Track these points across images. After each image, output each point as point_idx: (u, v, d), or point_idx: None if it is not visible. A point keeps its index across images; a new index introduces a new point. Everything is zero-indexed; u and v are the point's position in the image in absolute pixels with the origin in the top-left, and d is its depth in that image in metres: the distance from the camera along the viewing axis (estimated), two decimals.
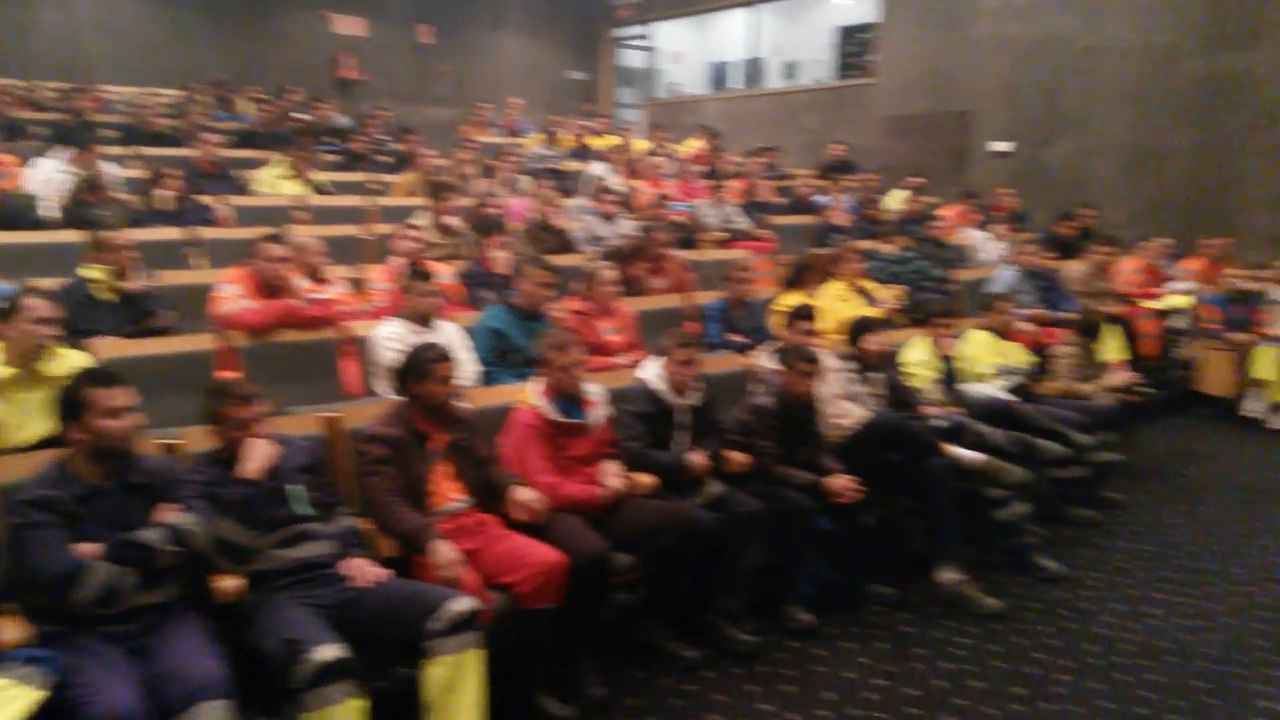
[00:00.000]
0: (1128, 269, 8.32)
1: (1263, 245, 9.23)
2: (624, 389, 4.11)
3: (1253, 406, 7.37)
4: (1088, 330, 6.19)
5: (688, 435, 4.07)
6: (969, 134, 11.96)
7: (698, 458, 3.93)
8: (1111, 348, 6.86)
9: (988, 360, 5.57)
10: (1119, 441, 6.46)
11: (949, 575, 4.19)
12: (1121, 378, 6.61)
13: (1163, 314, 7.90)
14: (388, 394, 3.96)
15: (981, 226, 9.42)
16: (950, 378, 5.31)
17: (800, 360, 4.25)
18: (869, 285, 6.95)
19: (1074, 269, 7.65)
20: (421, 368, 3.42)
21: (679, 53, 17.86)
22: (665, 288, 6.32)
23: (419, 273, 4.72)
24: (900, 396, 4.89)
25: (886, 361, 5.01)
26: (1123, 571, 4.57)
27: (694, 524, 3.63)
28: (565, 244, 7.00)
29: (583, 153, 11.08)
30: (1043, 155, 11.22)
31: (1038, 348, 6.10)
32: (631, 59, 18.30)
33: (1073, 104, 10.91)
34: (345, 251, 6.10)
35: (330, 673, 2.60)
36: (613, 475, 3.70)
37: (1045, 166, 11.20)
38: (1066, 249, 8.33)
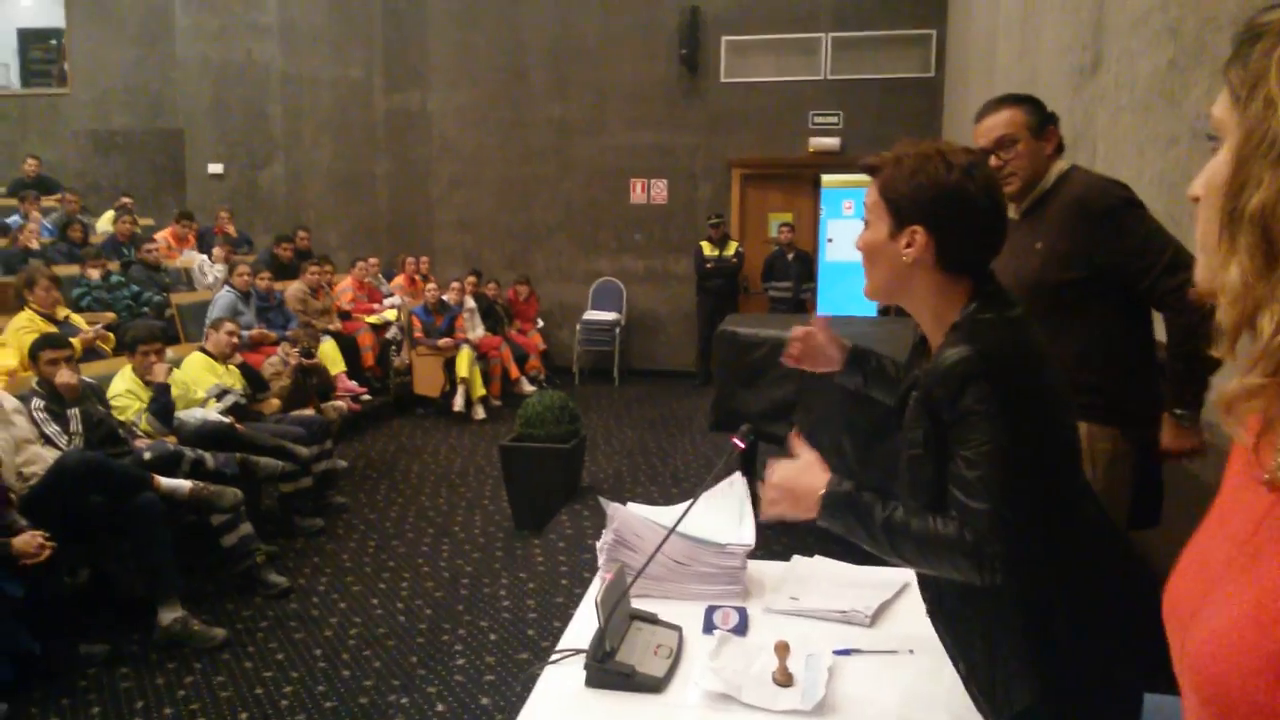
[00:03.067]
0: (344, 287, 8.85)
1: (455, 261, 10.61)
2: None
3: (459, 403, 8.39)
4: (307, 350, 6.40)
5: None
6: (183, 154, 11.54)
7: None
8: (333, 362, 7.23)
9: (205, 383, 5.41)
10: (345, 449, 6.85)
11: (171, 615, 3.95)
12: (344, 389, 6.99)
13: (378, 327, 8.58)
14: None
15: (201, 248, 9.18)
16: (165, 405, 5.02)
17: None
18: (69, 314, 6.27)
19: (293, 289, 7.87)
20: None
21: None
22: None
23: None
24: (105, 432, 4.48)
25: (88, 395, 4.55)
26: (348, 571, 4.81)
27: None
28: None
29: None
30: (258, 178, 11.34)
31: (258, 367, 6.11)
32: None
33: (280, 129, 11.23)
34: None
35: None
36: None
37: (261, 189, 11.34)
38: (285, 270, 8.53)
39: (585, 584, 2.25)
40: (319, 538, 5.26)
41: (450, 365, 8.41)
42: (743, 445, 1.67)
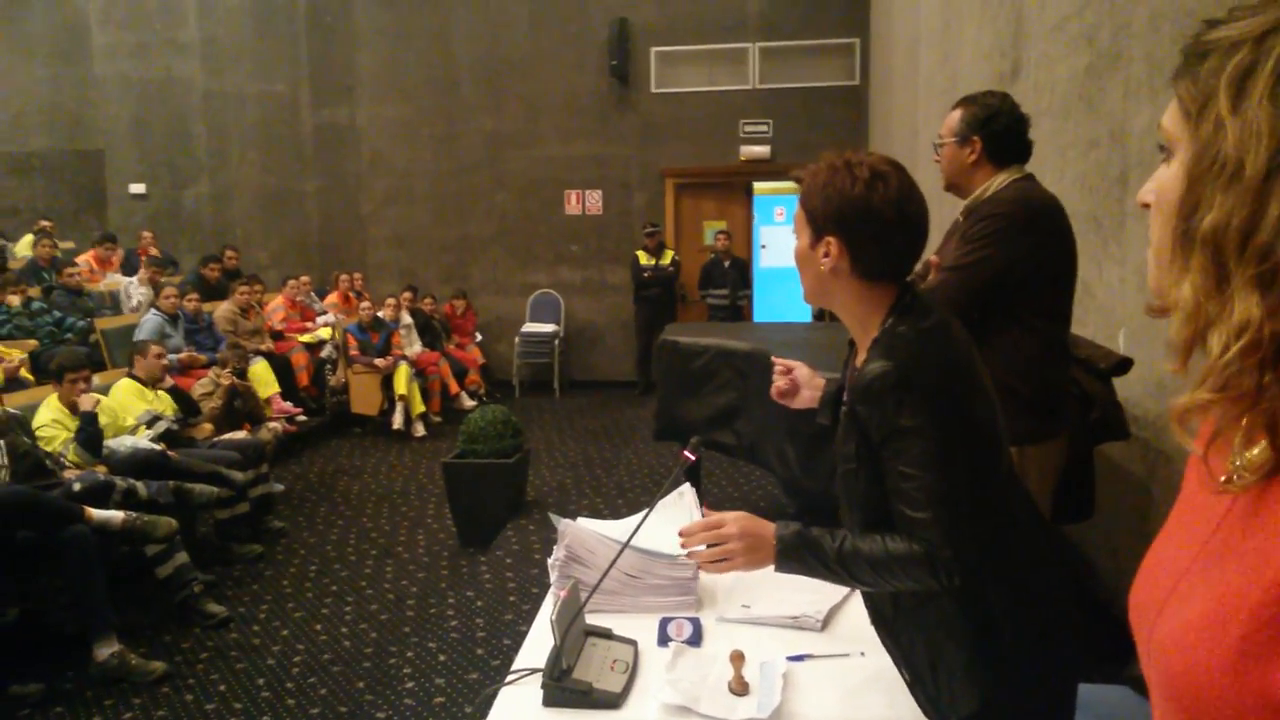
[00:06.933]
0: (275, 306, 8.69)
1: (390, 277, 10.49)
2: None
3: (398, 420, 8.27)
4: (239, 370, 6.27)
5: None
6: (103, 174, 11.22)
7: None
8: (266, 383, 7.09)
9: (135, 410, 5.27)
10: (282, 471, 6.71)
11: (106, 650, 3.83)
12: (278, 410, 6.86)
13: (312, 346, 8.43)
14: None
15: (125, 271, 8.95)
16: (93, 435, 4.87)
17: None
18: None
19: (222, 310, 7.70)
20: None
21: None
22: None
23: None
24: (31, 464, 4.34)
25: (12, 426, 4.39)
26: (289, 596, 4.71)
27: None
28: None
29: None
30: (182, 198, 11.08)
31: (188, 391, 5.96)
32: None
33: (204, 147, 10.99)
34: None
35: None
36: None
37: (186, 209, 11.08)
38: (213, 290, 8.35)
39: (534, 600, 2.24)
40: (258, 564, 5.14)
41: (388, 383, 8.31)
42: (693, 457, 1.68)
